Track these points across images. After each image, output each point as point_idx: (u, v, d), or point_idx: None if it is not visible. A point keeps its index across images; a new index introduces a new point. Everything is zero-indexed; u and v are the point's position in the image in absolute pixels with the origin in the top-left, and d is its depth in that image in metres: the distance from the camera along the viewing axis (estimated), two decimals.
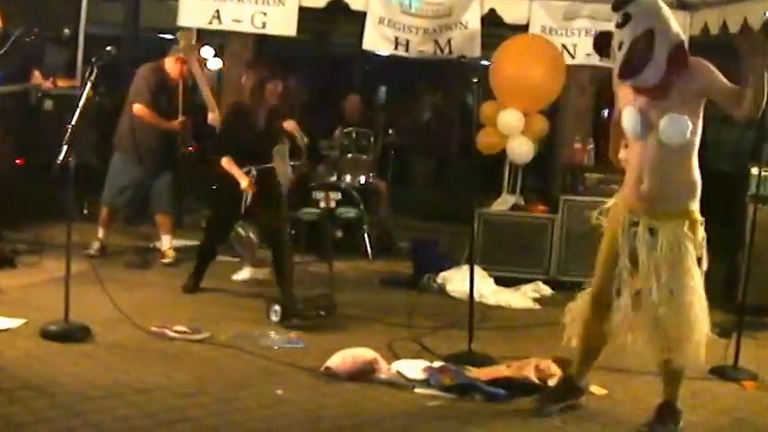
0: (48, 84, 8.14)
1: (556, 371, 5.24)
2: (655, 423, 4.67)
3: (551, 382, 5.13)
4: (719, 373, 5.71)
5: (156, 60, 7.97)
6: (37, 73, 8.07)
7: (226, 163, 6.73)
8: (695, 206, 4.62)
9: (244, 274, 7.54)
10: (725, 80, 4.43)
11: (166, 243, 8.01)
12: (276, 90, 7.13)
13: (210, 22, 9.02)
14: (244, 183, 6.64)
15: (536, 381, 5.13)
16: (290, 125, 7.51)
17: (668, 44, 4.42)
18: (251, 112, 6.83)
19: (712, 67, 4.48)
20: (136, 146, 7.83)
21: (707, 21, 9.24)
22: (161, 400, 4.60)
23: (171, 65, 7.87)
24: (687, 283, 4.57)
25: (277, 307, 6.28)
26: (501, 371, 5.25)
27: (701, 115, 4.54)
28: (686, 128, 4.45)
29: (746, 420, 4.99)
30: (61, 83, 8.27)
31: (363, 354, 5.27)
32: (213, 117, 7.70)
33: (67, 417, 4.27)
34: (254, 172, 6.71)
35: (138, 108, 7.71)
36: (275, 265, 6.90)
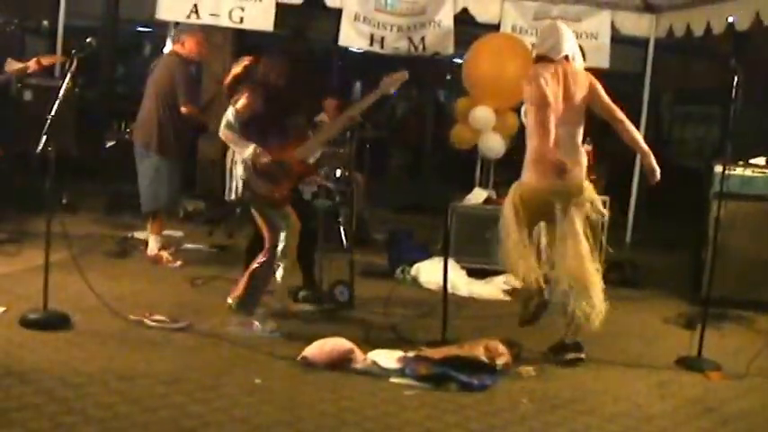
0: (32, 64, 7.74)
1: (504, 350, 5.46)
2: None
3: (499, 361, 5.36)
4: (685, 363, 5.90)
5: (173, 51, 7.74)
6: (10, 59, 7.94)
7: None
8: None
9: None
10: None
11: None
12: None
13: (188, 16, 9.10)
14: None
15: (485, 360, 5.31)
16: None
17: None
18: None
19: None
20: (170, 142, 7.64)
21: (672, 23, 9.50)
22: (143, 387, 4.69)
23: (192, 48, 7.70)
24: None
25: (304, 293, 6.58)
26: (453, 350, 5.40)
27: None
28: None
29: (711, 409, 5.13)
30: (44, 60, 7.99)
31: (340, 343, 5.38)
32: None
33: (50, 403, 4.34)
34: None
35: (190, 109, 7.49)
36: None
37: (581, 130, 5.85)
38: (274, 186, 6.08)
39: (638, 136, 5.89)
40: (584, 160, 5.86)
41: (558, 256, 5.74)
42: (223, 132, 6.07)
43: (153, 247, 7.70)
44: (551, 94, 5.65)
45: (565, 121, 5.72)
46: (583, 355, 5.78)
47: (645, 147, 5.86)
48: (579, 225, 5.69)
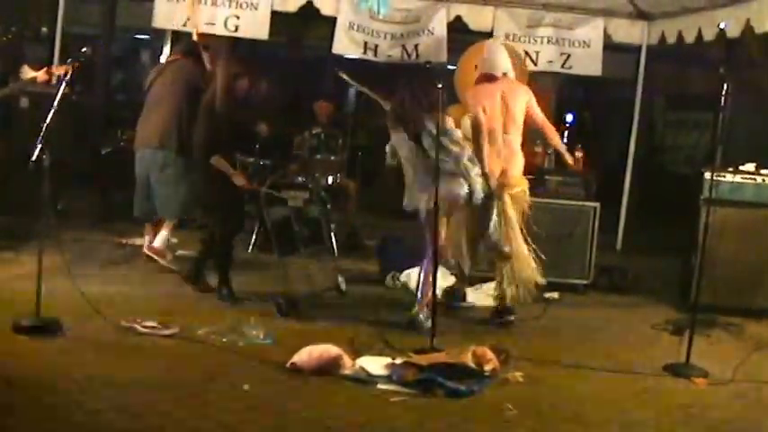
0: (41, 74, 7.49)
1: (491, 357, 5.47)
2: None
3: (487, 367, 5.38)
4: (672, 370, 5.93)
5: (186, 58, 7.84)
6: (26, 66, 7.90)
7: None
8: None
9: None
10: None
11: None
12: (244, 86, 7.10)
13: (184, 24, 9.15)
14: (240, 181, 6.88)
15: (473, 366, 5.34)
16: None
17: None
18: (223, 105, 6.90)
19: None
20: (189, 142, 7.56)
21: (664, 30, 9.56)
22: (132, 393, 4.72)
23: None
24: None
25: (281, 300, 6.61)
26: (441, 357, 5.45)
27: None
28: None
29: (697, 416, 5.17)
30: (55, 70, 7.94)
31: (328, 350, 5.41)
32: None
33: (38, 410, 4.38)
34: None
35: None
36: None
37: (518, 136, 7.02)
38: None
39: (559, 142, 7.39)
40: (521, 160, 7.06)
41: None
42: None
43: (162, 240, 7.69)
44: (487, 112, 6.85)
45: (505, 130, 6.92)
46: (512, 317, 6.83)
47: (562, 147, 7.41)
48: (511, 212, 6.84)
